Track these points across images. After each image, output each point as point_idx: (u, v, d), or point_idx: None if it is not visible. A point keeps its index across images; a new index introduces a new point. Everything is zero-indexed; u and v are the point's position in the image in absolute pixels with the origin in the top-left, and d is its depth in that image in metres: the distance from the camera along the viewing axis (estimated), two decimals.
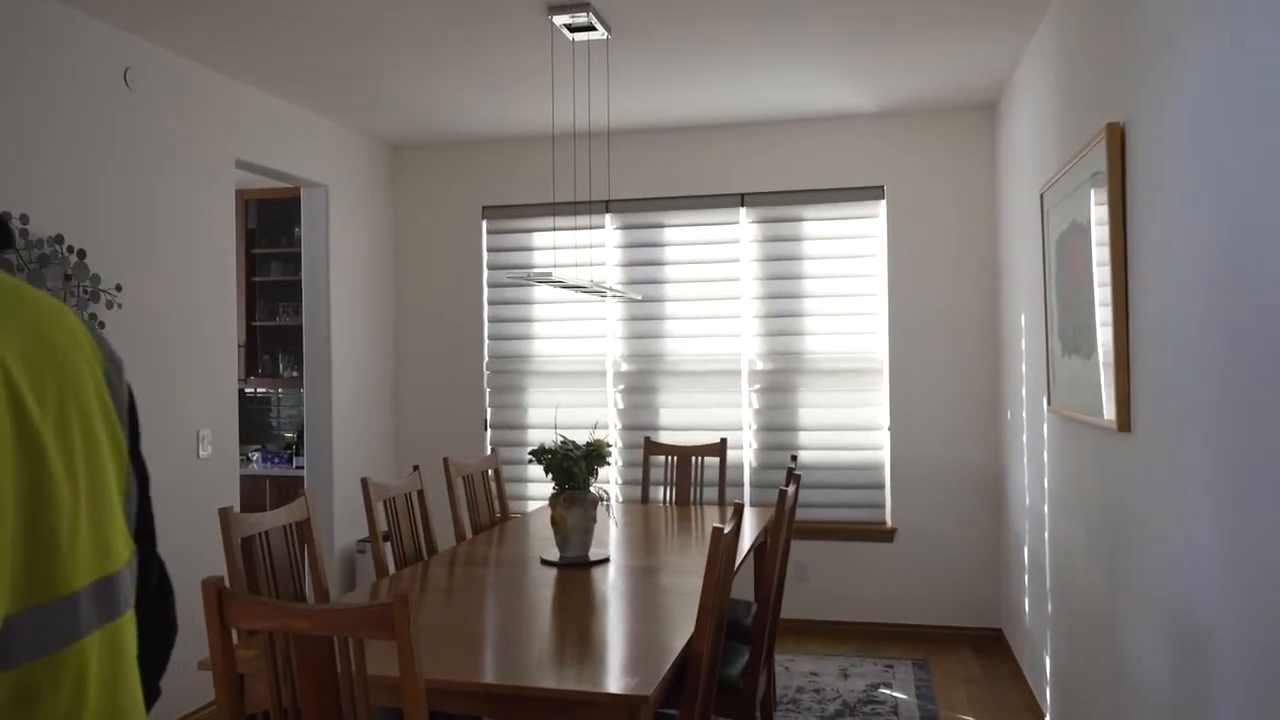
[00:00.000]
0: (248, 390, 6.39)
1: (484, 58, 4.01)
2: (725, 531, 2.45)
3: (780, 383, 5.29)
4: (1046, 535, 3.72)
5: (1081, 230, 2.98)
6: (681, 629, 2.56)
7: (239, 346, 6.15)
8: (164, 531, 3.75)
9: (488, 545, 3.73)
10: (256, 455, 6.12)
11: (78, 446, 0.95)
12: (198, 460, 4.00)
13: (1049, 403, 3.52)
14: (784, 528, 3.29)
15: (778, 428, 5.30)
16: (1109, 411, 2.69)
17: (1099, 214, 2.76)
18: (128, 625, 1.03)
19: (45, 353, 0.95)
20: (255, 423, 6.44)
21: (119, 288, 3.52)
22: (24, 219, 3.12)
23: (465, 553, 3.60)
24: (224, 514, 2.74)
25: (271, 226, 6.26)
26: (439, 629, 2.58)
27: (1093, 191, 2.83)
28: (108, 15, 3.46)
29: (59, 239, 3.26)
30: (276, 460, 6.04)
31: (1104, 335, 2.74)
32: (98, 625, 0.96)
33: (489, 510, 4.27)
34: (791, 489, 3.36)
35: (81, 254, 3.34)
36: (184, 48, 3.83)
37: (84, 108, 3.43)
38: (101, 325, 3.43)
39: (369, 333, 5.42)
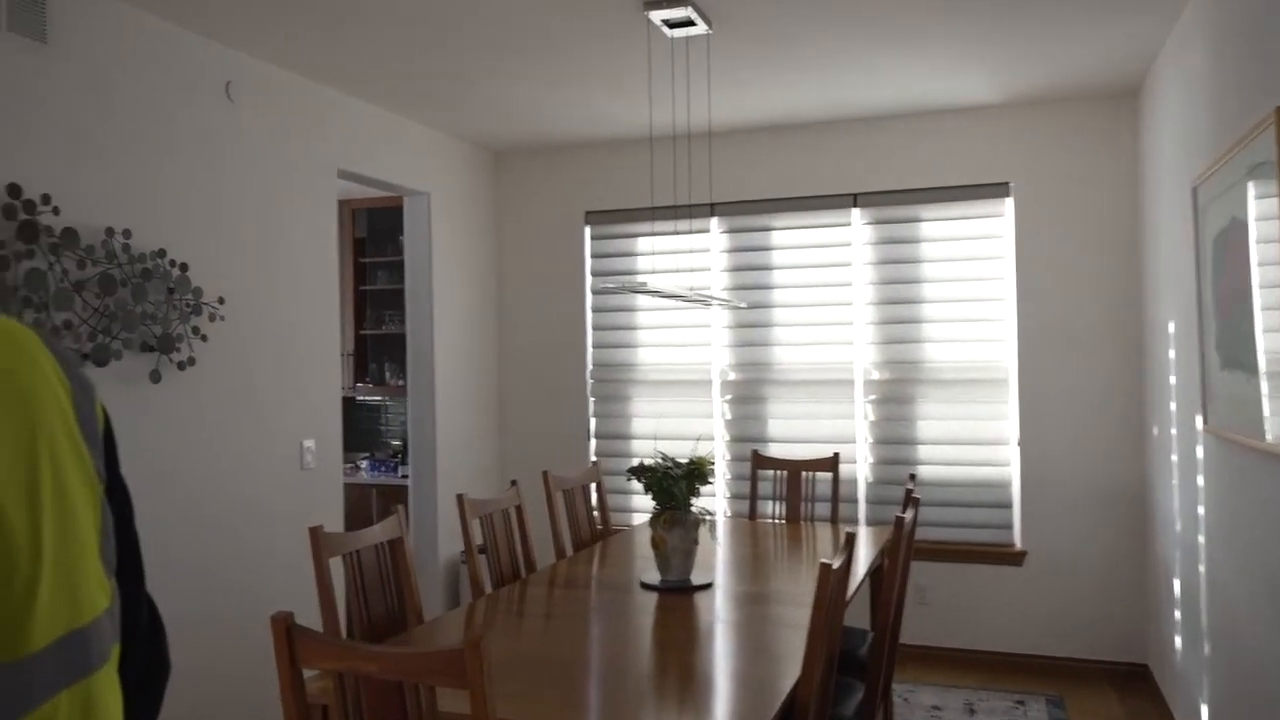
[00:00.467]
0: (357, 398, 6.46)
1: (580, 58, 3.88)
2: (834, 567, 2.22)
3: (897, 393, 4.98)
4: (1202, 569, 3.33)
5: (1243, 228, 2.63)
6: (791, 668, 2.34)
7: (348, 355, 6.22)
8: (267, 544, 3.75)
9: (588, 564, 3.59)
10: (365, 463, 6.17)
11: (44, 488, 0.87)
12: (301, 471, 3.99)
13: (1204, 421, 3.15)
14: (902, 555, 3.03)
15: (894, 441, 4.99)
16: (1271, 434, 2.36)
17: (1264, 208, 2.41)
18: (104, 680, 0.92)
19: (2, 390, 0.86)
20: (365, 430, 6.51)
21: (221, 300, 3.53)
22: (126, 234, 3.15)
23: (564, 572, 3.46)
24: (314, 533, 2.67)
25: (379, 235, 6.31)
26: (532, 660, 2.44)
27: (1255, 184, 2.49)
28: (210, 31, 3.48)
29: (161, 253, 3.27)
30: (383, 468, 6.07)
31: (1267, 345, 2.40)
32: (64, 685, 0.85)
33: (589, 525, 4.14)
34: (910, 514, 3.10)
35: (184, 267, 3.35)
36: (284, 60, 3.83)
37: (186, 122, 3.45)
38: (204, 339, 3.44)
39: (471, 341, 5.37)
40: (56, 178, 2.94)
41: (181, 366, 3.34)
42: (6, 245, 2.76)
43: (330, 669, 1.74)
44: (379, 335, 6.30)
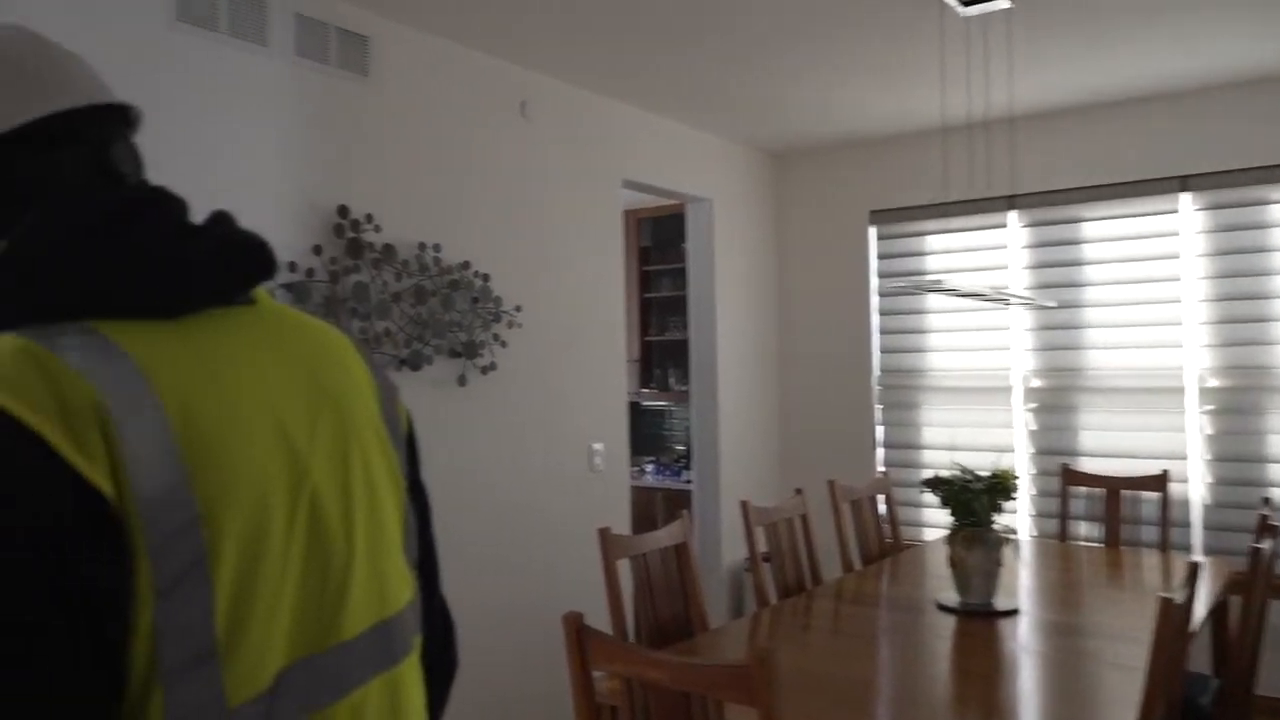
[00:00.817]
0: (643, 403, 6.61)
1: (863, 49, 3.70)
2: (1177, 602, 1.91)
3: (1241, 403, 4.32)
4: None
5: None
6: (1115, 713, 2.05)
7: (634, 361, 6.39)
8: (557, 542, 3.90)
9: (877, 580, 3.40)
10: (650, 466, 6.30)
11: (355, 483, 0.89)
12: (591, 473, 4.12)
13: None
14: (1260, 591, 2.58)
15: (1240, 458, 4.32)
16: None
17: None
18: (409, 672, 0.93)
19: (315, 385, 0.89)
20: (650, 435, 6.65)
21: (518, 308, 3.71)
22: (436, 248, 3.39)
23: (853, 587, 3.30)
24: (604, 535, 2.71)
25: (663, 243, 6.43)
26: (820, 678, 2.31)
27: None
28: (509, 54, 3.68)
29: (466, 265, 3.49)
30: (668, 472, 6.17)
31: None
32: (374, 674, 0.88)
33: (878, 538, 3.93)
34: (1268, 544, 2.63)
35: (486, 278, 3.56)
36: (575, 77, 3.97)
37: (486, 141, 3.67)
38: (504, 345, 3.63)
39: (753, 347, 5.32)
40: (377, 198, 3.22)
41: (484, 371, 3.55)
42: (337, 261, 3.06)
43: (618, 672, 1.72)
44: (663, 341, 6.43)
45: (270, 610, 0.77)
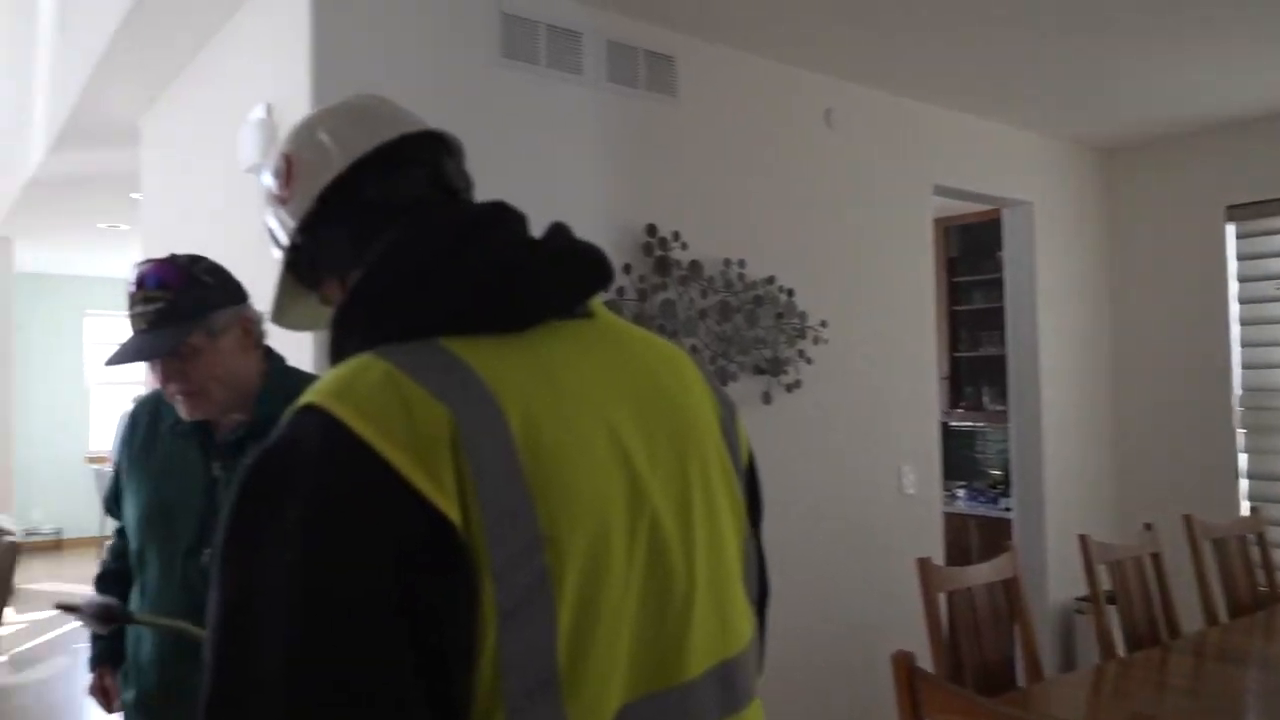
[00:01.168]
0: (952, 424, 6.21)
1: (1219, 19, 3.20)
2: None
3: None
4: None
5: None
6: None
7: (943, 379, 6.01)
8: (865, 568, 3.70)
9: (1248, 635, 2.89)
10: (961, 492, 5.89)
11: (696, 506, 0.83)
12: (901, 497, 3.88)
13: None
14: None
15: None
16: None
17: None
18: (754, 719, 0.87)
19: (657, 405, 0.84)
20: (960, 458, 6.23)
21: (824, 324, 3.58)
22: (741, 263, 3.34)
23: (1217, 642, 2.83)
24: (923, 565, 2.51)
25: (973, 252, 6.02)
26: None
27: None
28: (812, 63, 3.57)
29: (770, 280, 3.42)
30: (982, 499, 5.73)
31: None
32: (717, 718, 0.82)
33: (1249, 586, 3.36)
34: None
35: (790, 293, 3.47)
36: (880, 81, 3.79)
37: (790, 154, 3.58)
38: (809, 361, 3.51)
39: (1080, 363, 4.79)
40: (684, 216, 3.23)
41: (789, 389, 3.45)
42: (646, 279, 3.10)
43: None
44: (974, 358, 6.00)
45: (611, 639, 0.73)
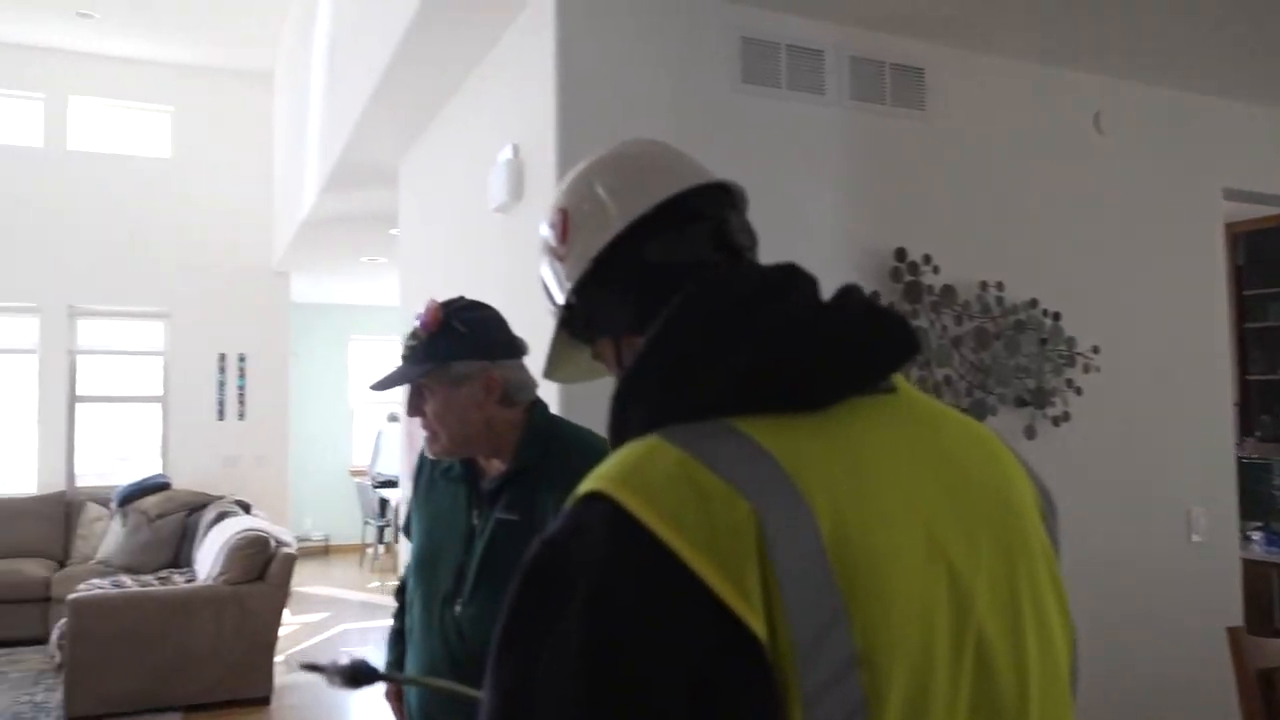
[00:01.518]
0: (1244, 457, 5.48)
1: None
2: None
3: None
4: None
5: None
6: None
7: (1233, 405, 5.32)
8: (1148, 624, 3.27)
9: None
10: (1257, 534, 5.17)
11: (1026, 618, 0.72)
12: (1188, 544, 3.43)
13: None
14: None
15: None
16: None
17: None
18: None
19: (976, 496, 0.73)
20: (1256, 495, 5.48)
21: (1095, 349, 3.23)
22: (999, 286, 3.07)
23: None
24: (1234, 636, 2.16)
25: (1264, 261, 5.30)
26: None
27: None
28: (1076, 62, 3.25)
29: (1033, 303, 3.12)
30: None
31: None
32: None
33: None
34: None
35: (1056, 316, 3.15)
36: (1156, 76, 3.39)
37: (1051, 164, 3.27)
38: (1078, 391, 3.18)
39: None
40: (934, 237, 3.01)
41: (1055, 422, 3.13)
42: (895, 306, 2.91)
43: None
44: (1269, 381, 5.27)
45: None
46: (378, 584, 8.59)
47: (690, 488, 0.63)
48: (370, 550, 9.49)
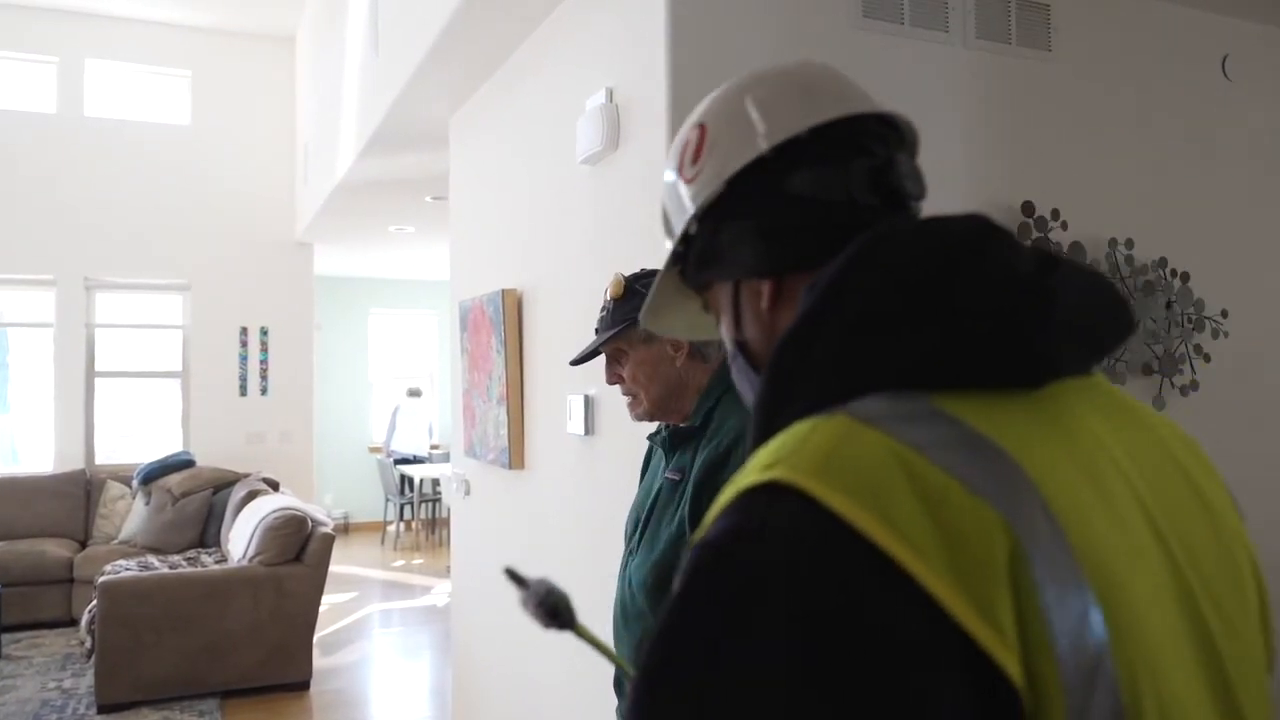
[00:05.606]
0: None
1: None
2: None
3: None
4: None
5: None
6: None
7: None
8: None
9: None
10: None
11: (1248, 630, 0.63)
12: None
13: None
14: None
15: None
16: None
17: None
18: None
19: (1188, 497, 0.63)
20: None
21: (1224, 313, 3.00)
22: (1128, 244, 2.84)
23: None
24: None
25: None
26: None
27: None
28: (1202, 2, 3.00)
29: (1162, 262, 2.90)
30: None
31: None
32: None
33: None
34: None
35: (1184, 277, 2.92)
36: None
37: (1178, 109, 3.03)
38: (1206, 359, 2.95)
39: None
40: (1063, 190, 2.77)
41: (1183, 391, 2.91)
42: None
43: None
44: None
45: None
46: (402, 563, 8.39)
47: (910, 485, 0.50)
48: (391, 528, 9.29)
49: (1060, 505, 0.52)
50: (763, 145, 0.73)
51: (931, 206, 2.39)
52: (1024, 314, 0.58)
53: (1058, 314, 0.59)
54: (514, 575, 1.09)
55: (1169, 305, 2.91)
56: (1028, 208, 2.68)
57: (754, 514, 0.52)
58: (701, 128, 0.78)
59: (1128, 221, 2.87)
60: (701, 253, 0.76)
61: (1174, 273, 2.92)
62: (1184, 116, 3.03)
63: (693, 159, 0.77)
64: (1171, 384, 2.91)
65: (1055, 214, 2.71)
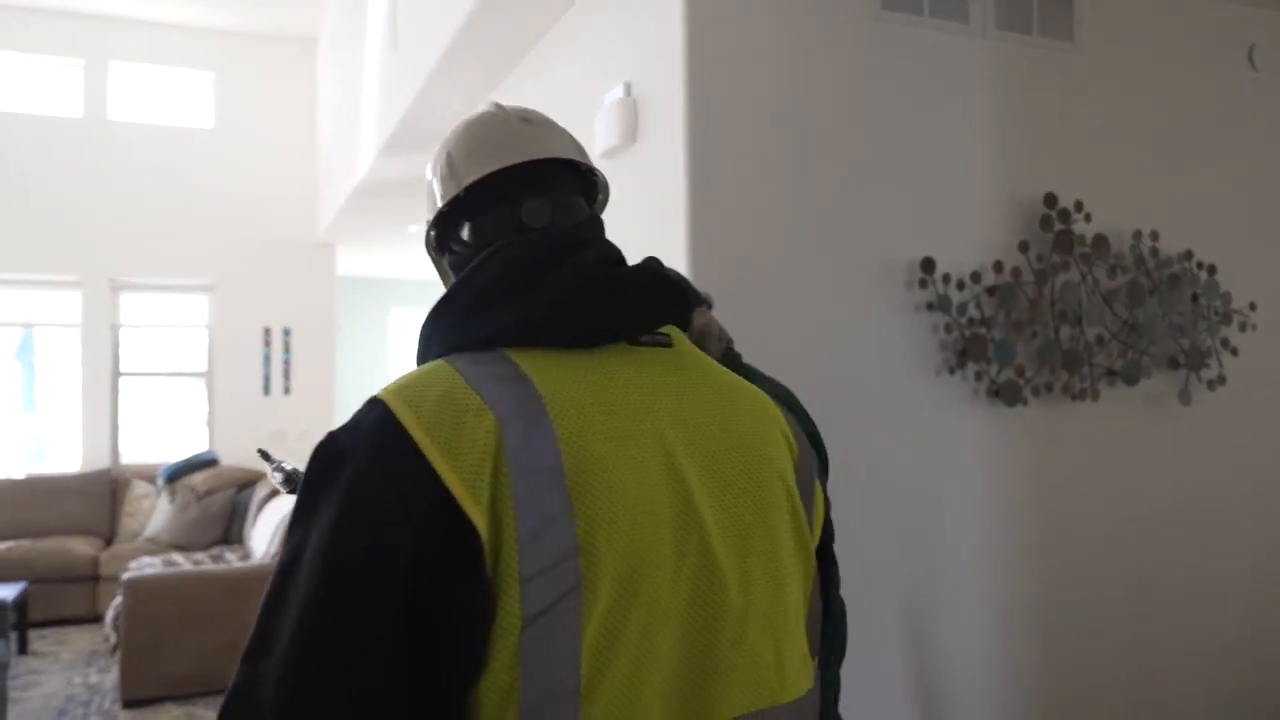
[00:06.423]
0: None
1: None
2: None
3: None
4: None
5: None
6: None
7: None
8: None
9: None
10: None
11: (756, 545, 0.83)
12: None
13: None
14: None
15: None
16: None
17: None
18: None
19: (722, 436, 0.84)
20: None
21: (1252, 306, 2.96)
22: (1153, 236, 2.80)
23: None
24: None
25: None
26: None
27: None
28: None
29: (1187, 255, 2.86)
30: None
31: None
32: None
33: None
34: None
35: (1211, 270, 2.88)
36: None
37: (1205, 102, 2.99)
38: (1234, 352, 2.91)
39: None
40: (1086, 182, 2.74)
41: (1211, 386, 2.87)
42: (1044, 258, 2.64)
43: None
44: None
45: (642, 660, 0.73)
46: None
47: (451, 402, 0.75)
48: None
49: (561, 420, 0.75)
50: (440, 204, 0.99)
51: (953, 199, 2.38)
52: (580, 299, 0.82)
53: (611, 301, 0.84)
54: (264, 454, 1.53)
55: (1195, 299, 2.87)
56: (1050, 199, 2.65)
57: (358, 416, 0.78)
58: (432, 167, 1.02)
59: (1153, 213, 2.84)
60: (434, 245, 1.04)
61: (1200, 265, 2.88)
62: (1210, 107, 2.99)
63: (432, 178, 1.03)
64: (1198, 378, 2.87)
65: (1079, 206, 2.68)
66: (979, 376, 2.56)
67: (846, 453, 2.08)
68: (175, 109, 7.33)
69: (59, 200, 6.78)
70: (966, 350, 2.51)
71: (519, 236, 0.91)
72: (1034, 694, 2.60)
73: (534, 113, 1.01)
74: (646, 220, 2.52)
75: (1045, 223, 2.64)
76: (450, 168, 0.99)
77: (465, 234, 0.97)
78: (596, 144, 2.73)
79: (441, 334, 0.86)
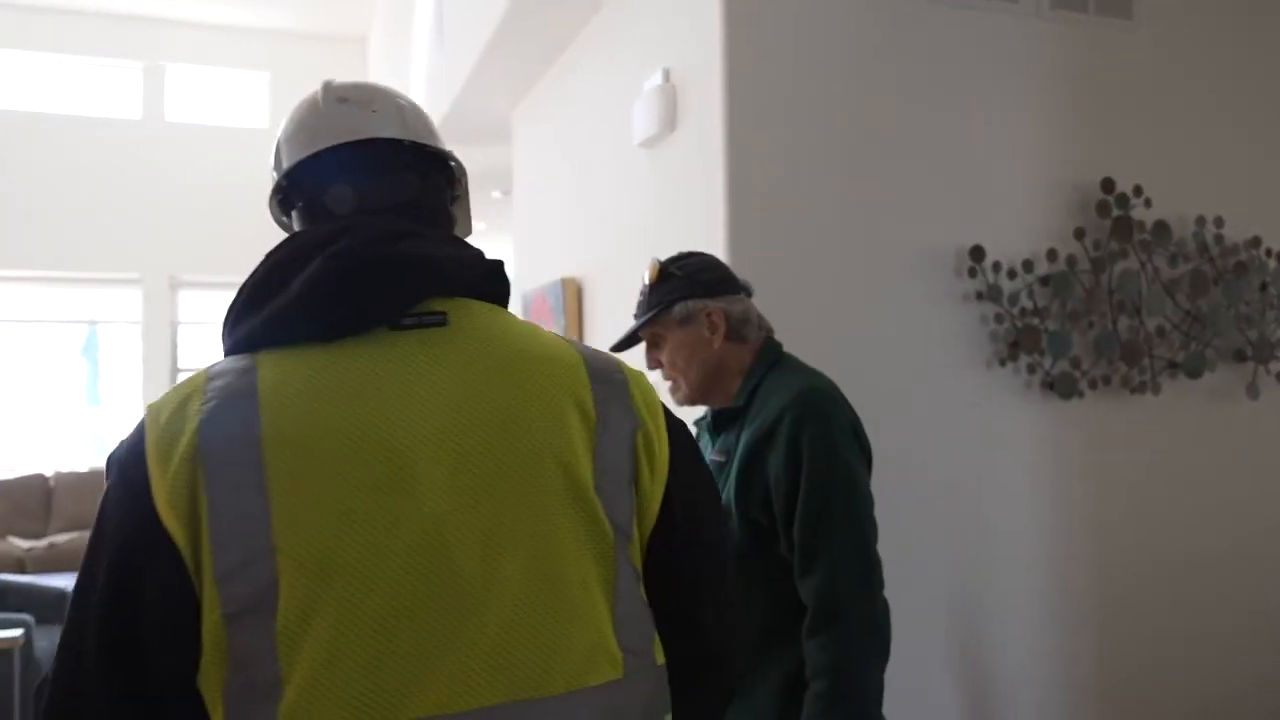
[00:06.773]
0: None
1: None
2: None
3: None
4: None
5: None
6: None
7: None
8: None
9: None
10: None
11: (507, 526, 0.79)
12: None
13: None
14: None
15: None
16: None
17: None
18: None
19: (477, 416, 0.81)
20: None
21: None
22: (1218, 222, 2.68)
23: None
24: None
25: None
26: None
27: None
28: None
29: (1255, 242, 2.72)
30: None
31: None
32: None
33: None
34: None
35: (1279, 258, 2.75)
36: None
37: (1272, 80, 2.85)
38: None
39: None
40: (1146, 166, 2.63)
41: (1279, 379, 2.74)
42: (1102, 245, 2.54)
43: None
44: None
45: (338, 654, 0.72)
46: None
47: (183, 408, 0.78)
48: None
49: (269, 415, 0.76)
50: (269, 192, 1.00)
51: (1006, 184, 2.30)
52: (320, 295, 0.82)
53: (353, 290, 0.82)
54: None
55: (1263, 287, 2.73)
56: (1107, 184, 2.54)
57: (139, 422, 0.81)
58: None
59: (1217, 199, 2.71)
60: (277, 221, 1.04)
61: (1269, 253, 2.74)
62: (1272, 86, 2.85)
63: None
64: (1266, 370, 2.73)
65: (1138, 190, 2.57)
66: (1031, 369, 2.47)
67: (893, 446, 2.02)
68: (231, 109, 7.46)
69: (120, 200, 6.95)
70: (1019, 341, 2.42)
71: (315, 227, 0.90)
72: (1085, 689, 2.50)
73: (357, 88, 0.98)
74: (687, 210, 2.47)
75: (1102, 208, 2.54)
76: (276, 158, 0.98)
77: (295, 225, 0.97)
78: (636, 133, 2.70)
79: (223, 337, 0.88)
